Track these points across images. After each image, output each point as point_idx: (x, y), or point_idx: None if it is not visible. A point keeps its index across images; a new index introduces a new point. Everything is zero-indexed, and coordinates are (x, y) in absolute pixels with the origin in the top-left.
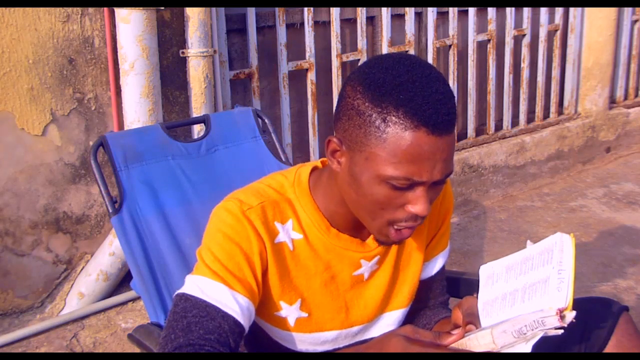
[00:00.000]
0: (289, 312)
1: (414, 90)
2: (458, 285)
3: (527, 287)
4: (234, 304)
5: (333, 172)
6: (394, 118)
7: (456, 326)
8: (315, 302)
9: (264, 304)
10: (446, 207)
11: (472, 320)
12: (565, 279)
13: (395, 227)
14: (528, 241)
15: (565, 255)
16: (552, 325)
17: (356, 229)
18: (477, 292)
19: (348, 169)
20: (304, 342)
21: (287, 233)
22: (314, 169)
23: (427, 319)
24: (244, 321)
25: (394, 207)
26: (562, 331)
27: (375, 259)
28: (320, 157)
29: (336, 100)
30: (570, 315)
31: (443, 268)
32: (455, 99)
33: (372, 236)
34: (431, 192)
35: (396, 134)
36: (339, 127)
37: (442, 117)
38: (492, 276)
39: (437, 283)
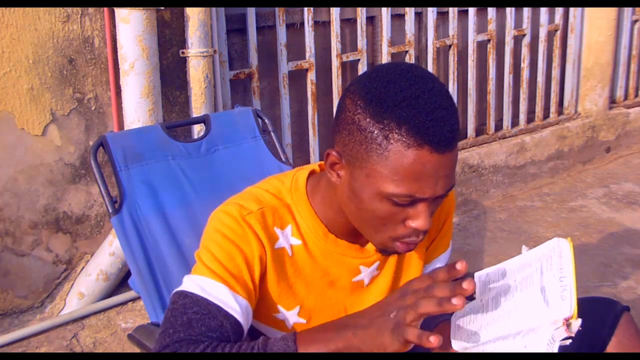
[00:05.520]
0: (287, 316)
1: (417, 106)
2: None
3: (525, 295)
4: (235, 304)
5: (332, 181)
6: (396, 135)
7: None
8: (314, 308)
9: (261, 308)
10: (447, 209)
11: None
12: (568, 286)
13: (398, 242)
14: (523, 247)
15: (564, 261)
16: (560, 337)
17: (355, 235)
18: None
19: (348, 184)
20: None
21: (287, 239)
22: (312, 173)
23: (426, 322)
24: (244, 322)
25: (395, 223)
26: (570, 341)
27: (375, 264)
28: (320, 158)
29: (336, 103)
30: (577, 324)
31: None
32: (458, 113)
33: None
34: (433, 206)
35: (398, 152)
36: (338, 140)
37: (446, 134)
38: (487, 282)
39: None
